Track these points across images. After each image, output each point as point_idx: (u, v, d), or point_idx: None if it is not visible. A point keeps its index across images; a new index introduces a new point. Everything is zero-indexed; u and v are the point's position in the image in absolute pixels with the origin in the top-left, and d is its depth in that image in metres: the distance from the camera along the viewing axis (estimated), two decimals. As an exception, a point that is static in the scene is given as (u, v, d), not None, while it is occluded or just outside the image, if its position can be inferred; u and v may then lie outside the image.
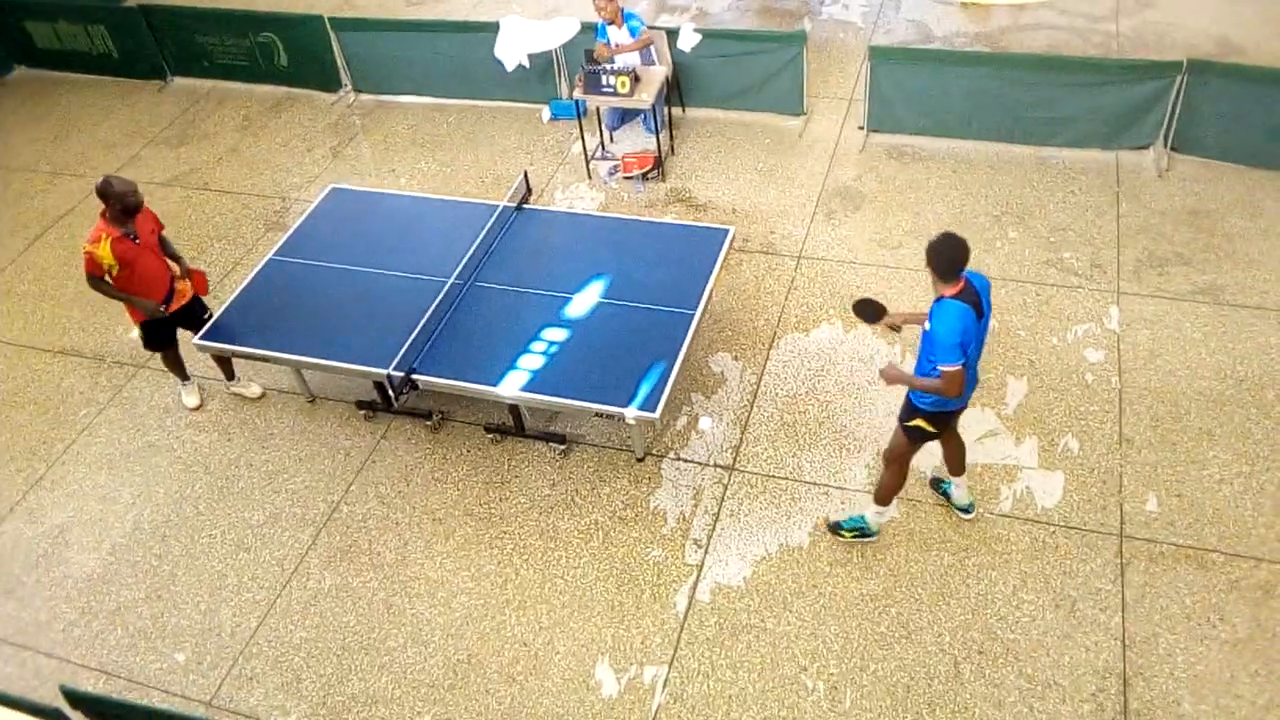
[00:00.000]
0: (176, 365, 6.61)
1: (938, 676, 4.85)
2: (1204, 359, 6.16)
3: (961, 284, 4.43)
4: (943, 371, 4.41)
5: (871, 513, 5.34)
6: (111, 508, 6.18)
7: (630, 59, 7.99)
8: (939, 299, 4.47)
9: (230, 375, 6.69)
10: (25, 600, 5.74)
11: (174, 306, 6.21)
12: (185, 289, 6.27)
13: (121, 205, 5.77)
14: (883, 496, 5.26)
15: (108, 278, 5.88)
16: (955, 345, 4.36)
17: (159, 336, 6.35)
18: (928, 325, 4.52)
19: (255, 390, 6.73)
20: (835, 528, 5.46)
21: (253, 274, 6.69)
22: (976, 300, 4.46)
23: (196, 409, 6.70)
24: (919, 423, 4.82)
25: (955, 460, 5.31)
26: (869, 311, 5.06)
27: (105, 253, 5.78)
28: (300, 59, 9.57)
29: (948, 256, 4.36)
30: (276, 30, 9.49)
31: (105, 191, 5.75)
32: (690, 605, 5.29)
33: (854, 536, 5.41)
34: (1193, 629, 4.90)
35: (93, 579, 5.80)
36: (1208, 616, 4.94)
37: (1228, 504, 5.40)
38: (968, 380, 4.58)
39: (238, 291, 6.57)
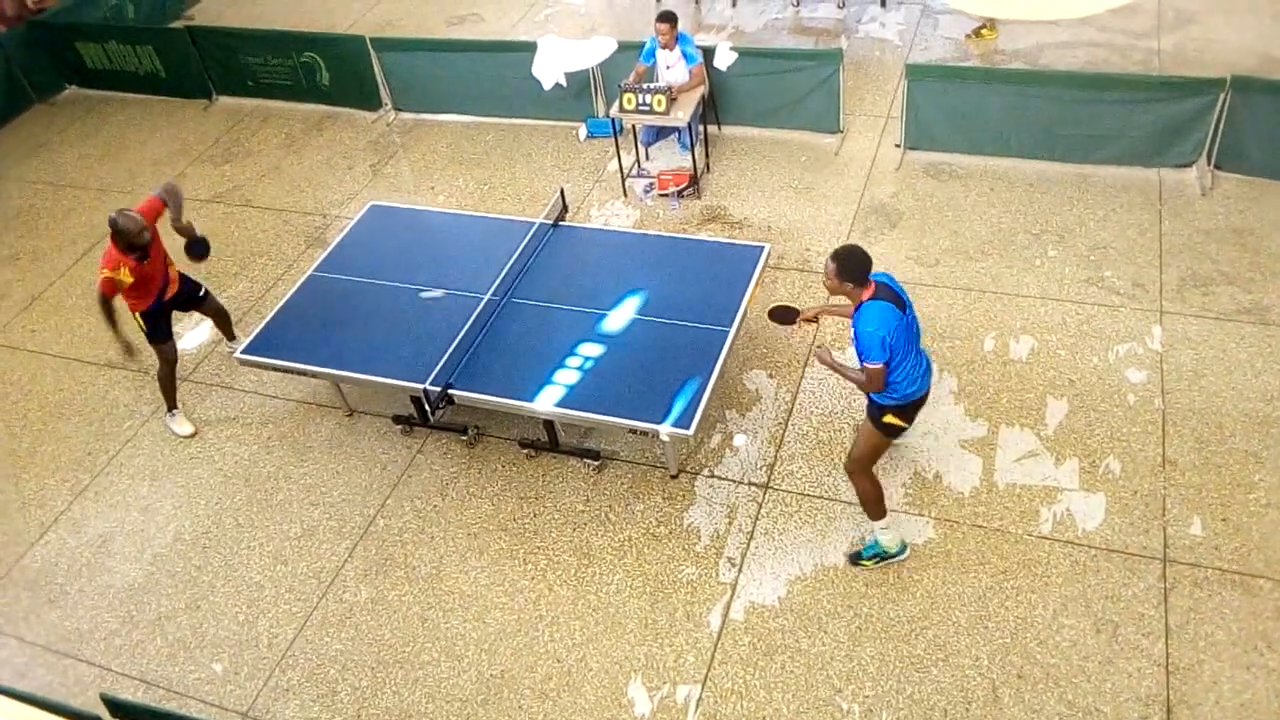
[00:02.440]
0: (170, 382, 6.67)
1: (975, 701, 4.78)
2: (1249, 380, 6.05)
3: (873, 286, 4.71)
4: (866, 369, 4.71)
5: (879, 531, 5.29)
6: (153, 518, 6.28)
7: (674, 75, 8.03)
8: (858, 306, 4.72)
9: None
10: (68, 609, 5.84)
11: (169, 294, 6.47)
12: (175, 276, 6.53)
13: (126, 243, 5.94)
14: (874, 511, 5.24)
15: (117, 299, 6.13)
16: (878, 344, 4.61)
17: (159, 326, 6.47)
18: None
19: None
20: (855, 558, 5.41)
21: (294, 289, 6.80)
22: (894, 297, 4.75)
23: (192, 436, 6.76)
24: (890, 419, 4.94)
25: None
26: (784, 315, 5.34)
27: (126, 276, 6.01)
28: (342, 78, 9.73)
29: (855, 265, 4.66)
30: (319, 50, 9.66)
31: (115, 228, 5.91)
32: (724, 624, 5.26)
33: (876, 563, 5.36)
34: (1239, 657, 4.79)
35: (134, 589, 5.89)
36: (1255, 644, 4.83)
37: (1275, 528, 5.28)
38: (921, 367, 4.87)
39: (279, 306, 6.67)
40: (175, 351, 6.66)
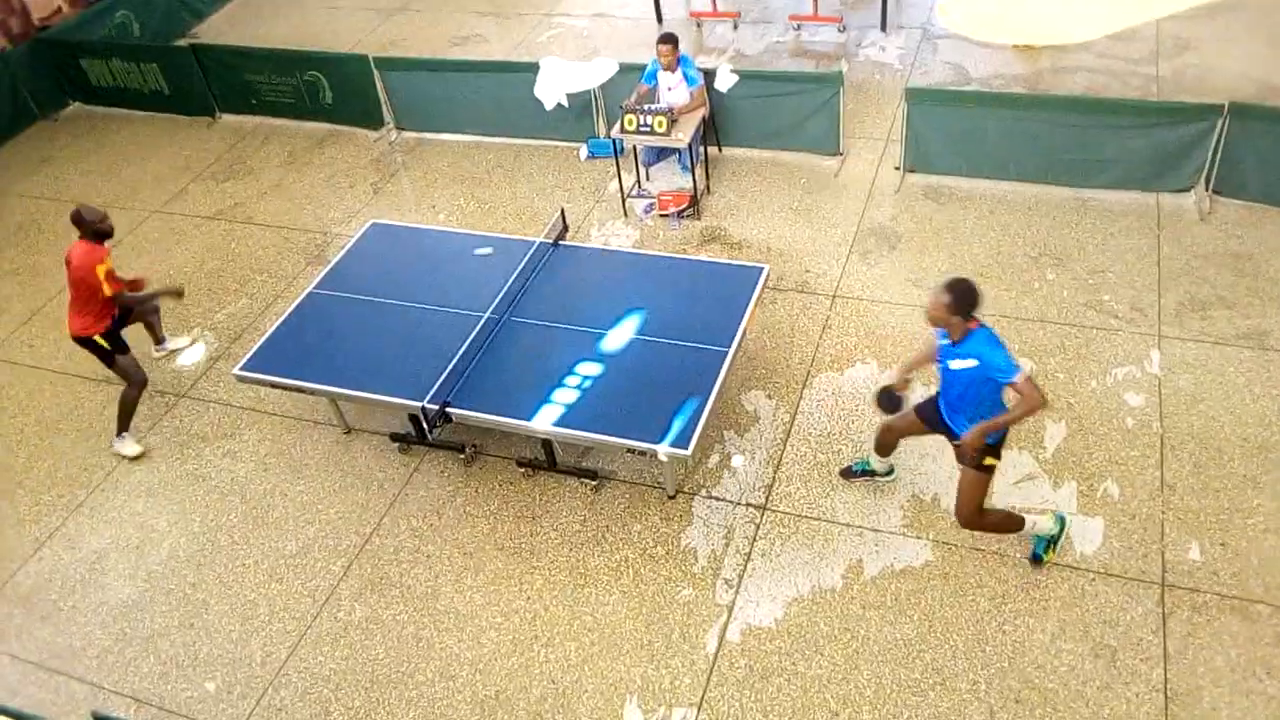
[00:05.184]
0: (134, 405, 6.68)
1: (973, 725, 4.75)
2: (1248, 405, 6.05)
3: (978, 322, 4.67)
4: (1019, 383, 4.53)
5: (1030, 530, 5.25)
6: (148, 535, 6.25)
7: (675, 96, 8.08)
8: (969, 332, 4.65)
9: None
10: (61, 625, 5.81)
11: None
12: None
13: (94, 231, 6.23)
14: (1014, 528, 5.21)
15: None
16: (1010, 356, 4.56)
17: (119, 339, 6.55)
18: (966, 363, 4.66)
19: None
20: (1036, 560, 5.34)
21: (293, 306, 6.80)
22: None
23: (138, 458, 6.72)
24: (991, 460, 4.88)
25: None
26: (889, 400, 5.22)
27: (112, 264, 6.24)
28: (345, 97, 9.77)
29: (971, 299, 4.60)
30: (322, 69, 9.72)
31: (83, 219, 6.22)
32: (720, 646, 5.23)
33: (1053, 550, 5.33)
34: (1238, 683, 4.76)
35: (128, 606, 5.86)
36: (1254, 670, 4.80)
37: (1274, 553, 5.26)
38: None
39: (278, 323, 6.67)
40: (140, 366, 6.67)
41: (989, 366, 4.59)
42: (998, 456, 4.91)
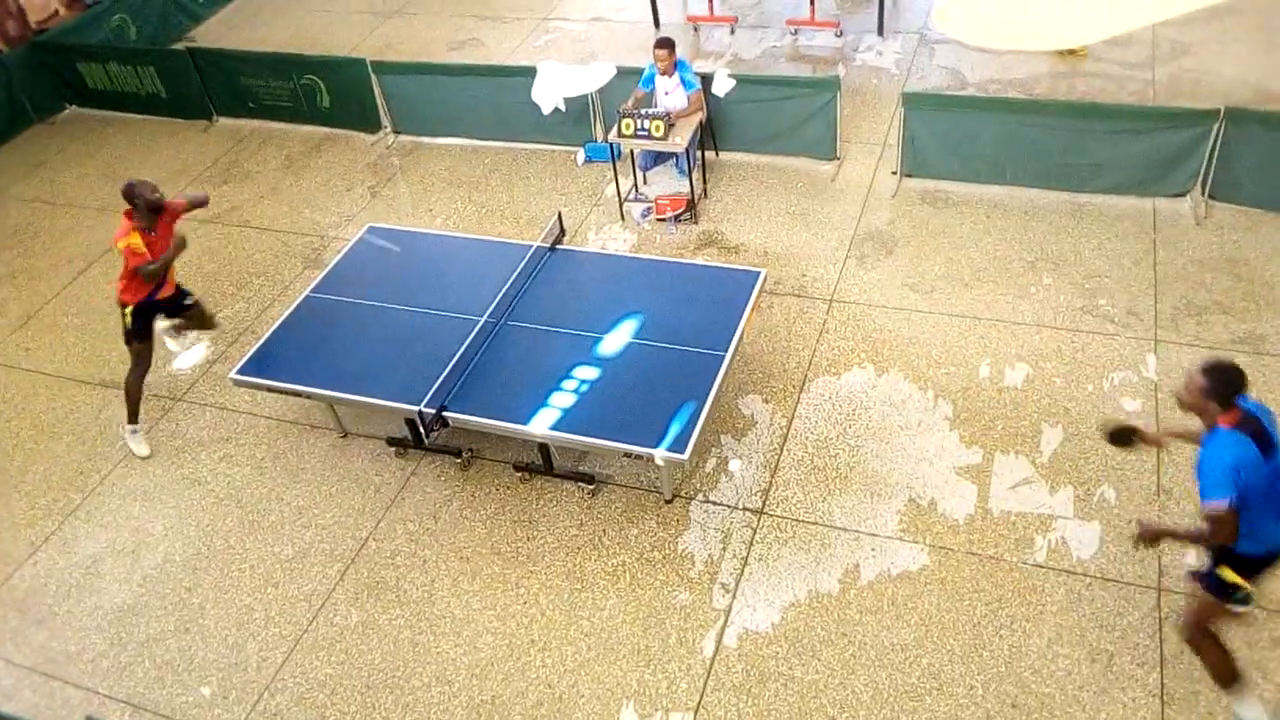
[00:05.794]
0: (138, 391, 6.69)
1: (970, 730, 4.75)
2: (1244, 409, 6.05)
3: (1238, 413, 4.03)
4: (1206, 510, 3.93)
5: (1235, 703, 4.55)
6: (144, 540, 6.24)
7: (672, 101, 8.08)
8: (1212, 429, 4.07)
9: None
10: (56, 630, 5.79)
11: (163, 294, 6.60)
12: (172, 279, 6.65)
13: (146, 203, 6.21)
14: (1221, 677, 4.48)
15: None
16: (1222, 478, 3.90)
17: (145, 324, 6.59)
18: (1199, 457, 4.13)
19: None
20: None
21: (289, 310, 6.80)
22: (1260, 431, 4.02)
23: (147, 459, 6.75)
24: (1222, 570, 4.22)
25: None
26: (1123, 437, 4.71)
27: (137, 241, 6.21)
28: (342, 101, 9.77)
29: (1228, 385, 4.01)
30: (319, 73, 9.71)
31: (132, 194, 6.23)
32: (717, 651, 5.22)
33: None
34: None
35: (123, 610, 5.85)
36: (1250, 675, 4.79)
37: (1270, 559, 5.26)
38: (1268, 527, 4.07)
39: (274, 327, 6.66)
40: (150, 357, 6.72)
41: (1199, 471, 4.03)
42: (1240, 575, 4.16)
